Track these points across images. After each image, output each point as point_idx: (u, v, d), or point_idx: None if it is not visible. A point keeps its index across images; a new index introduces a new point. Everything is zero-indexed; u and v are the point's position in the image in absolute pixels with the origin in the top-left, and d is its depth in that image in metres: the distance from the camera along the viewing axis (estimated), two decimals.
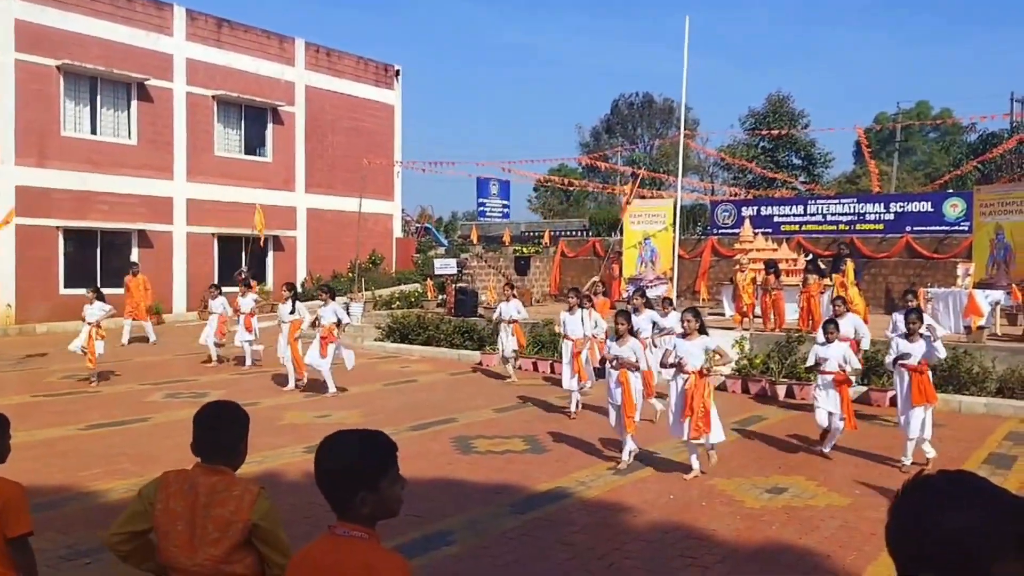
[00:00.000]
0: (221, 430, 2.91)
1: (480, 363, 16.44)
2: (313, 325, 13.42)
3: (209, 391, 12.91)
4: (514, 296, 14.66)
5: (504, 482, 7.93)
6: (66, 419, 10.80)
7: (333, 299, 13.59)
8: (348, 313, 14.85)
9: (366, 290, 24.74)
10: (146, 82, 24.56)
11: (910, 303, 10.78)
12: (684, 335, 8.53)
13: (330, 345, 12.87)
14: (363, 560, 2.13)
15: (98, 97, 23.91)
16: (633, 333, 9.07)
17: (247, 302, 15.98)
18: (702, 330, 8.40)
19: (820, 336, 9.59)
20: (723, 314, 19.73)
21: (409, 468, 8.54)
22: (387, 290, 26.65)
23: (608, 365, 8.90)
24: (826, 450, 9.02)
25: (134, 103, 24.60)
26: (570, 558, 6.00)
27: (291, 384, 13.47)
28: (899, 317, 10.14)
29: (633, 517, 6.96)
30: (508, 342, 14.43)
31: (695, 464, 8.18)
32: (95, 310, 13.81)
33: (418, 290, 25.23)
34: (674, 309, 12.42)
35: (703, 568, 5.83)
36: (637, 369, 8.81)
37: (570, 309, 12.11)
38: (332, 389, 12.95)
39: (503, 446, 9.44)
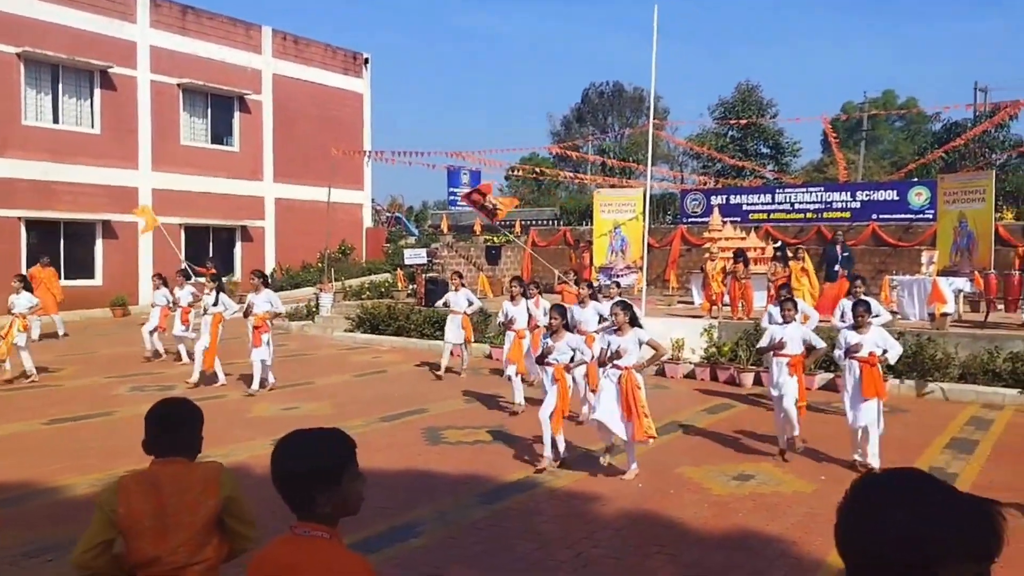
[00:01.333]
0: (176, 428, 2.90)
1: (452, 353, 16.39)
2: (246, 314, 12.77)
3: (176, 384, 12.78)
4: (462, 286, 14.47)
5: (473, 472, 7.92)
6: (27, 414, 10.62)
7: (267, 286, 12.98)
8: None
9: (336, 280, 24.57)
10: (109, 70, 24.15)
11: (857, 290, 10.57)
12: (616, 330, 8.05)
13: (264, 335, 12.21)
14: (324, 560, 2.10)
15: (60, 85, 23.48)
16: (568, 327, 8.53)
17: (184, 294, 15.17)
18: (633, 322, 8.01)
19: (776, 315, 9.52)
20: (692, 302, 19.87)
21: (379, 460, 8.57)
22: (357, 280, 26.51)
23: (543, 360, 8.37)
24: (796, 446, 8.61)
25: (97, 91, 24.19)
26: (538, 548, 6.01)
27: (194, 377, 12.90)
28: (847, 305, 10.07)
29: (602, 506, 6.99)
30: (454, 333, 13.94)
31: (634, 465, 7.82)
32: (22, 300, 13.19)
33: (388, 280, 25.10)
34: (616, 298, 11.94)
35: (671, 556, 5.87)
36: (571, 369, 8.43)
37: (512, 299, 11.91)
38: (255, 386, 12.22)
39: (473, 436, 9.44)
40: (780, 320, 9.08)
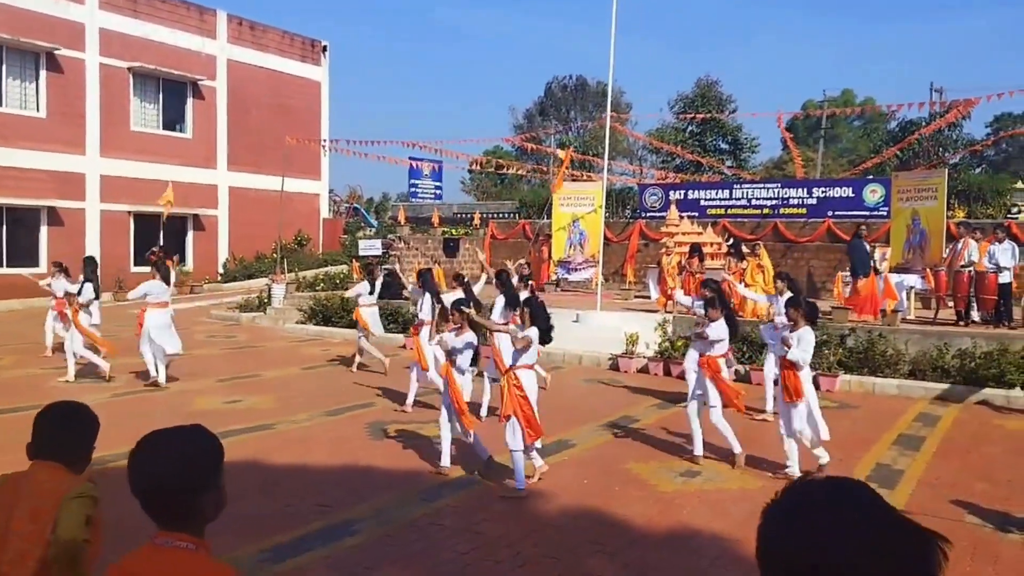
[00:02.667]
0: (64, 434, 2.65)
1: (404, 346, 16.15)
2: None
3: (116, 376, 12.34)
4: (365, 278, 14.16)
5: (415, 469, 7.72)
6: None
7: (62, 272, 13.51)
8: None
9: (290, 271, 24.14)
10: (56, 52, 23.43)
11: (778, 287, 10.18)
12: (457, 330, 7.69)
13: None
14: (189, 573, 1.89)
15: (3, 67, 22.71)
16: (474, 326, 7.95)
17: (59, 286, 13.80)
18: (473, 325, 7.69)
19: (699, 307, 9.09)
20: (649, 297, 19.82)
21: (320, 455, 8.33)
22: (312, 272, 26.07)
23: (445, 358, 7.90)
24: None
25: (43, 74, 23.46)
26: (476, 547, 5.83)
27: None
28: (781, 302, 9.53)
29: (545, 503, 6.82)
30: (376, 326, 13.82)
31: (539, 463, 7.40)
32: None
33: (344, 272, 24.73)
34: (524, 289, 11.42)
35: (610, 555, 5.73)
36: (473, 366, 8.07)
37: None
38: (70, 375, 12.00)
39: (420, 431, 9.22)
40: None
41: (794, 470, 7.45)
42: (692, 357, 8.85)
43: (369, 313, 13.60)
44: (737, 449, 7.96)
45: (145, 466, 1.95)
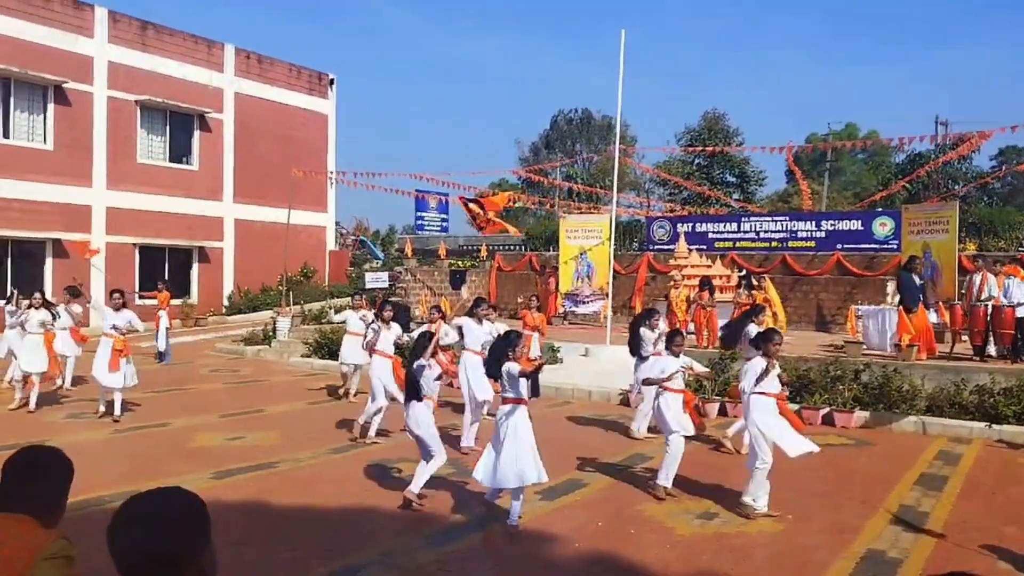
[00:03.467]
0: (33, 484, 2.38)
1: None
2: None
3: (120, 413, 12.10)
4: (361, 307, 14.09)
5: (423, 512, 7.46)
6: None
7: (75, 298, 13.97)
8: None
9: (296, 304, 23.99)
10: (64, 85, 23.52)
11: (655, 322, 10.67)
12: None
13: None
14: None
15: (11, 99, 22.79)
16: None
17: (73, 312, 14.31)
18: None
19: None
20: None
21: (324, 496, 8.07)
22: (318, 304, 25.92)
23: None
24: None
25: (51, 106, 23.54)
26: None
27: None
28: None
29: (558, 548, 6.56)
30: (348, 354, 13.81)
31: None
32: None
33: (347, 305, 24.53)
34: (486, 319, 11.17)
35: None
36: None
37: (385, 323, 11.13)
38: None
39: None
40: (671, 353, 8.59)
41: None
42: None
43: (351, 342, 13.57)
44: (669, 480, 7.94)
45: (123, 538, 1.74)
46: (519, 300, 15.09)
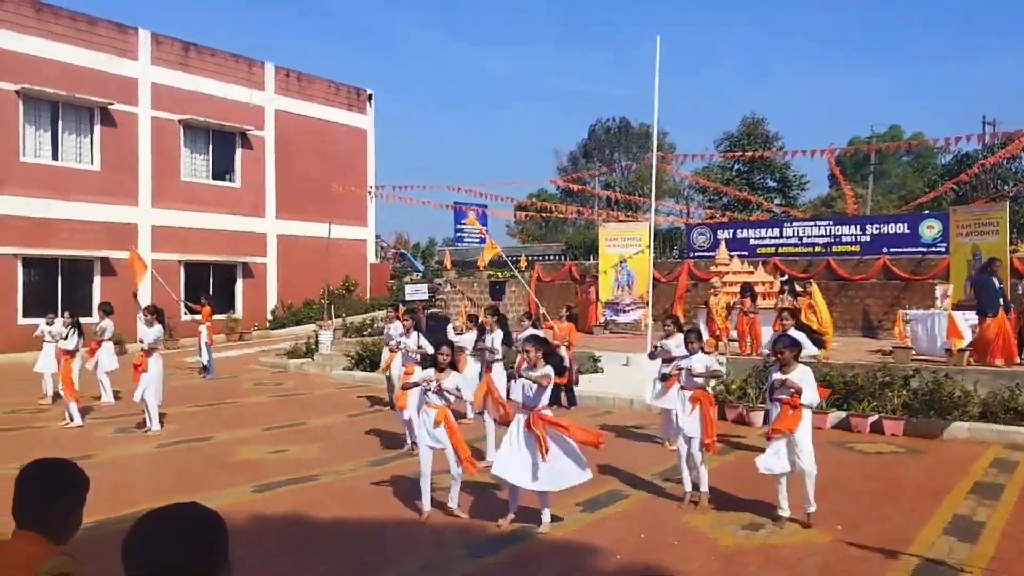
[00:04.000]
0: (42, 499, 2.31)
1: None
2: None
3: (164, 424, 12.27)
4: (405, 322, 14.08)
5: (463, 522, 7.40)
6: (2, 458, 10.14)
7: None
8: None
9: (337, 317, 24.16)
10: (110, 107, 24.05)
11: (786, 324, 10.46)
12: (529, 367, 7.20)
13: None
14: None
15: (59, 122, 23.37)
16: (454, 366, 7.77)
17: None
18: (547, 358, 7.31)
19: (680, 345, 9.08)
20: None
21: (364, 508, 8.05)
22: (359, 317, 26.09)
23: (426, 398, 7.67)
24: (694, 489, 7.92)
25: (97, 128, 24.08)
26: None
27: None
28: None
29: (600, 559, 6.45)
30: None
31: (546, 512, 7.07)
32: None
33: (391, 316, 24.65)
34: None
35: None
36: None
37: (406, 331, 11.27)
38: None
39: (467, 481, 8.89)
40: (685, 351, 8.48)
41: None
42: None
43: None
44: (704, 486, 7.85)
45: (140, 556, 1.71)
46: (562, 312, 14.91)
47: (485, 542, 6.89)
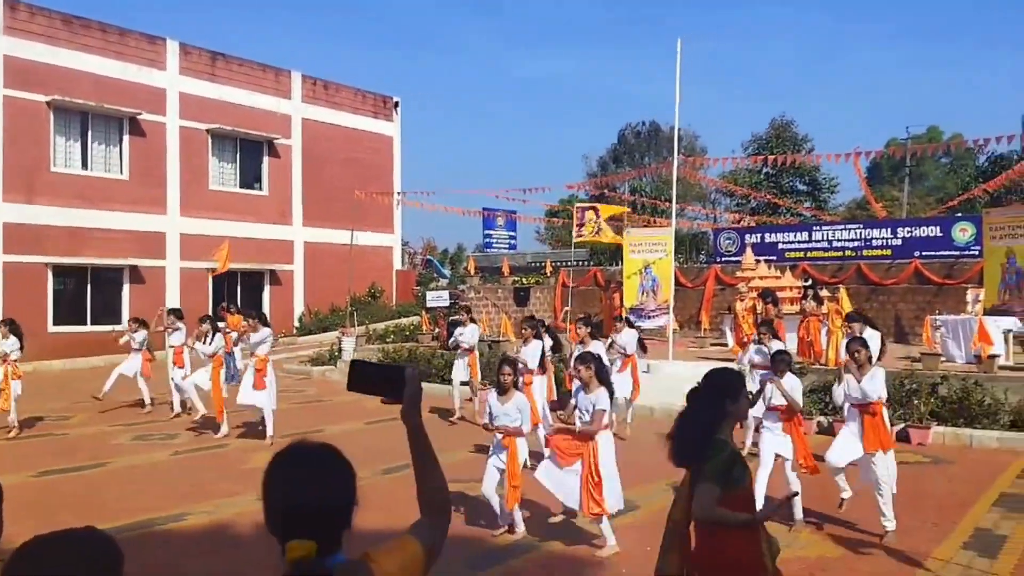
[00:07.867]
0: None
1: (470, 399, 15.82)
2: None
3: (180, 432, 12.36)
4: (472, 321, 14.11)
5: (466, 533, 7.30)
6: (22, 464, 10.25)
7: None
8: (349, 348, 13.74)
9: (362, 324, 24.24)
10: (138, 116, 24.36)
11: (762, 336, 10.25)
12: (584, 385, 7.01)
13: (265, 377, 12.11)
14: None
15: (89, 132, 23.71)
16: (516, 386, 7.45)
17: (178, 336, 14.64)
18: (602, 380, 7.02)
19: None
20: (726, 344, 19.12)
21: (371, 518, 7.92)
22: (384, 323, 26.15)
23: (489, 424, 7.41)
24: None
25: (126, 137, 24.39)
26: None
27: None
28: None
29: (605, 573, 6.31)
30: (461, 372, 13.87)
31: (610, 540, 6.81)
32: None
33: (415, 323, 24.70)
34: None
35: None
36: (521, 434, 7.35)
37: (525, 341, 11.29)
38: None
39: (475, 491, 8.79)
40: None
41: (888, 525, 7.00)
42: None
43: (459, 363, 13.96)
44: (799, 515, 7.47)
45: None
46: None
47: (485, 553, 6.79)
